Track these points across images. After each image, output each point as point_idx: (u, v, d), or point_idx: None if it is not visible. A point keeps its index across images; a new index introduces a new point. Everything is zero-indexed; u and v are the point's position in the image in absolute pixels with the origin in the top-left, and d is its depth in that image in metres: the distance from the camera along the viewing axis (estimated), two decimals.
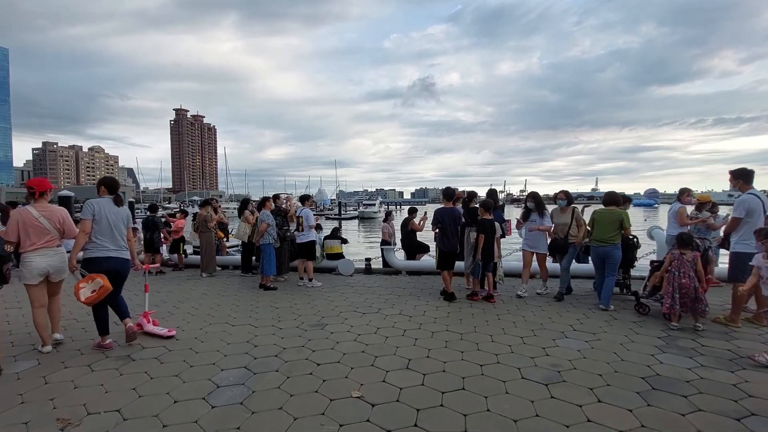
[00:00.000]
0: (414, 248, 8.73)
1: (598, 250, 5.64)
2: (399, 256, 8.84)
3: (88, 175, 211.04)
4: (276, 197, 7.96)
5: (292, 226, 7.84)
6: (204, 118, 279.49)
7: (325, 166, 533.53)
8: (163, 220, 9.89)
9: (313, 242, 7.39)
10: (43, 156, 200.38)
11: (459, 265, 6.56)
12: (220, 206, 9.91)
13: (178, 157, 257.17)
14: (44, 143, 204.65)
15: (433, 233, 6.47)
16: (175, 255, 9.54)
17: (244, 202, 8.76)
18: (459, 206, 6.74)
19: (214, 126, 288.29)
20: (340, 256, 8.76)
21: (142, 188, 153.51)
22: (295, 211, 7.57)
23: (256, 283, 7.38)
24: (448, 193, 6.44)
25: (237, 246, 10.44)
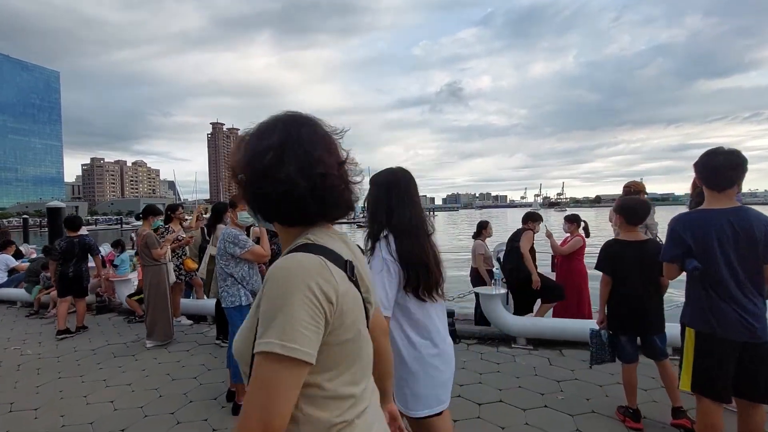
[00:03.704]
0: (537, 290, 4.53)
1: None
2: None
3: (132, 188, 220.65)
4: None
5: None
6: (239, 131, 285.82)
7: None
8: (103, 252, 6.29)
9: None
10: (91, 171, 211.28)
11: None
12: (193, 218, 6.13)
13: (214, 169, 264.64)
14: (92, 159, 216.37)
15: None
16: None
17: (218, 210, 4.46)
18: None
19: None
20: None
21: (182, 199, 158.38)
22: None
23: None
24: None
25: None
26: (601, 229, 8.90)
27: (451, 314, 4.52)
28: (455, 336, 4.51)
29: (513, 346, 4.28)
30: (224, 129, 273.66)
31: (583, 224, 4.90)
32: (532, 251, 4.70)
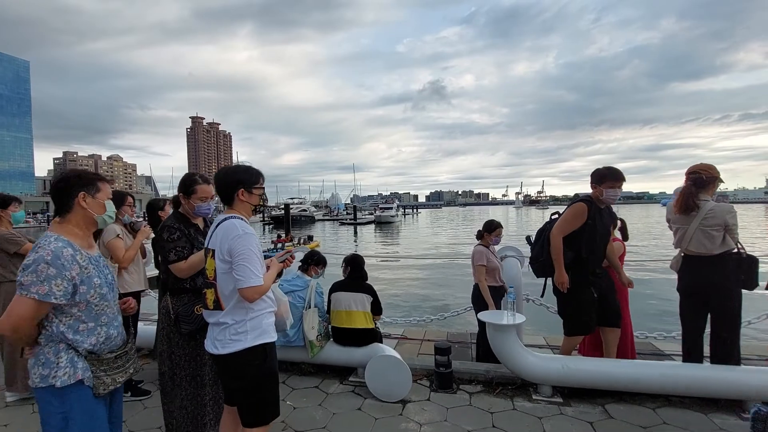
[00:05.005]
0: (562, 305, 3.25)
1: None
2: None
3: None
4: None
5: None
6: (220, 126, 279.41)
7: (340, 170, 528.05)
8: None
9: (257, 353, 1.87)
10: (64, 165, 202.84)
11: None
12: None
13: (194, 165, 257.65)
14: (65, 153, 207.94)
15: None
16: None
17: (151, 207, 3.38)
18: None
19: (229, 133, 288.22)
20: (369, 335, 3.38)
21: (161, 195, 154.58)
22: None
23: None
24: None
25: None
26: None
27: (446, 351, 3.22)
28: (451, 381, 3.22)
29: (534, 397, 3.02)
30: (204, 123, 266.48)
31: (619, 224, 3.67)
32: (597, 239, 3.02)
